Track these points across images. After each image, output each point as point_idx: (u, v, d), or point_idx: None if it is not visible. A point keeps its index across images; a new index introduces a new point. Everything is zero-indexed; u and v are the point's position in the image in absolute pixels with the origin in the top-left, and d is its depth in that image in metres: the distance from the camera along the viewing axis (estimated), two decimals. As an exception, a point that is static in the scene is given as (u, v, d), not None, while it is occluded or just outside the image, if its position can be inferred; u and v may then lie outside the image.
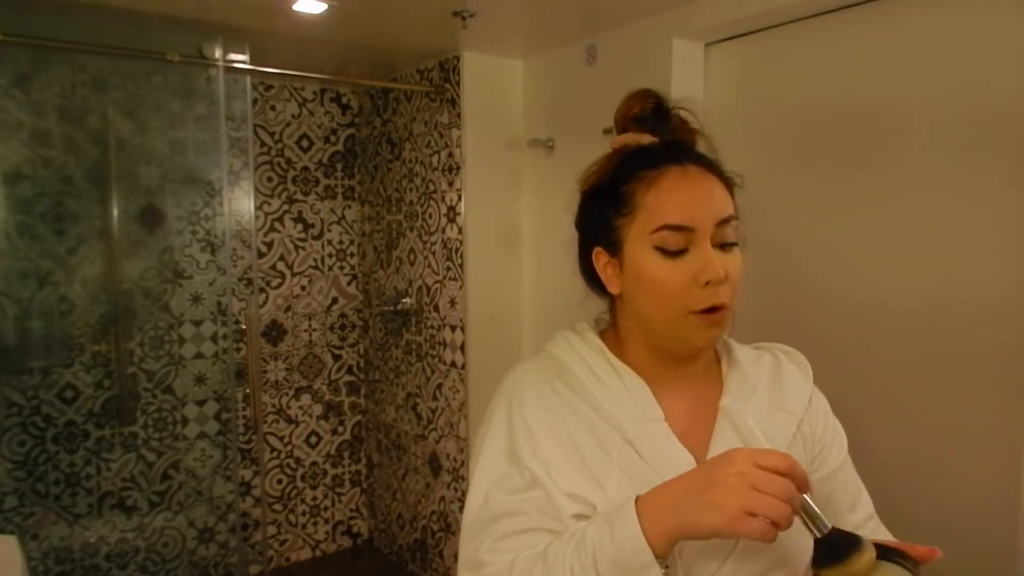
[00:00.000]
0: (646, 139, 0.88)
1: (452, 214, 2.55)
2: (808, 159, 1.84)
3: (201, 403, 2.69)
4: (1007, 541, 1.48)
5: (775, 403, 0.89)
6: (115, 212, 2.47)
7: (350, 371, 3.16)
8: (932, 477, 1.62)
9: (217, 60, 2.18)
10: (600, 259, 0.88)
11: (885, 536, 0.92)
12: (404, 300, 2.83)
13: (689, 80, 2.03)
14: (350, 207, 3.12)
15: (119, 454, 2.52)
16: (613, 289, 0.88)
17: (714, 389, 0.89)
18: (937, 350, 1.60)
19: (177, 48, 2.12)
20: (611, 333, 0.92)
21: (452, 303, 2.58)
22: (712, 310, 0.81)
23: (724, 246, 0.82)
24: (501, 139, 2.54)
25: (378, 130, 2.97)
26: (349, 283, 3.14)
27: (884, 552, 0.72)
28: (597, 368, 0.87)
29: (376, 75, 2.82)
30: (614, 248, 0.85)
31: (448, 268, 2.59)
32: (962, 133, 1.55)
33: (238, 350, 2.72)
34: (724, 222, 0.82)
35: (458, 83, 2.48)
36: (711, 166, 0.86)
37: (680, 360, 0.89)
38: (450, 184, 2.55)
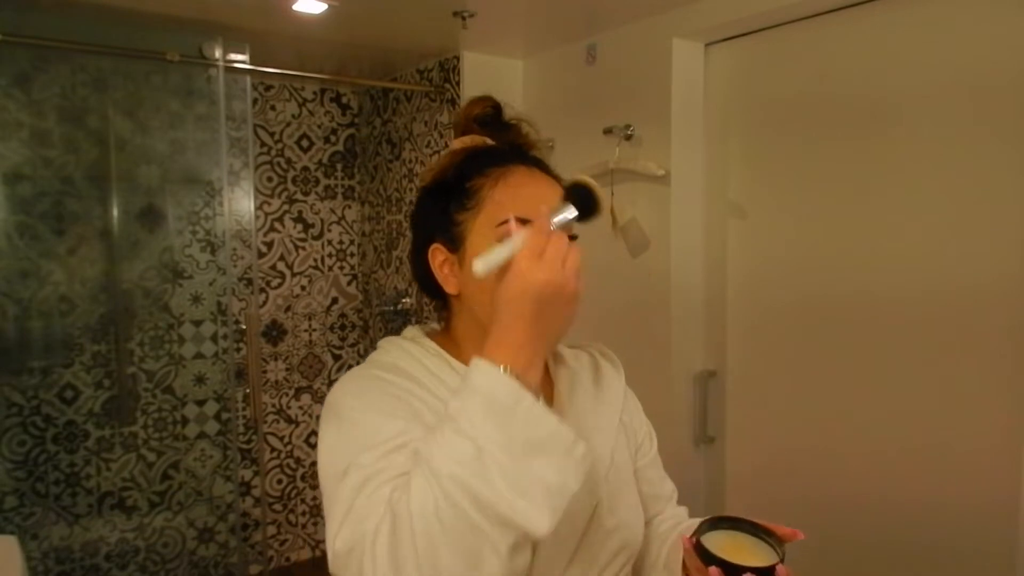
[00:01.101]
0: (488, 142, 0.89)
1: (452, 214, 2.54)
2: (808, 159, 1.84)
3: (201, 403, 2.69)
4: (1008, 536, 1.48)
5: (597, 396, 0.94)
6: (115, 212, 2.47)
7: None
8: (932, 463, 1.62)
9: (217, 60, 2.18)
10: (437, 257, 0.85)
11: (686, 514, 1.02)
12: (404, 300, 2.83)
13: (689, 80, 2.03)
14: (350, 207, 3.12)
15: (119, 454, 2.52)
16: (450, 288, 0.85)
17: (545, 384, 0.92)
18: (937, 338, 1.60)
19: (177, 48, 2.12)
20: (444, 337, 0.91)
21: (452, 303, 2.58)
22: None
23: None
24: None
25: (378, 130, 2.97)
26: (349, 283, 3.14)
27: (750, 527, 0.81)
28: (435, 369, 0.85)
29: (376, 75, 2.82)
30: (455, 244, 0.83)
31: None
32: (960, 130, 1.55)
33: (238, 350, 2.72)
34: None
35: (458, 83, 2.48)
36: (550, 171, 0.89)
37: None
38: (450, 184, 2.55)
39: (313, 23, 2.14)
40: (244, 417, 2.86)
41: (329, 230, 3.07)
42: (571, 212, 0.76)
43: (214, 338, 2.70)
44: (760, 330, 1.98)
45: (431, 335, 0.92)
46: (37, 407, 2.38)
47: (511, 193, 0.82)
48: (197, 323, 2.66)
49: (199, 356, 2.68)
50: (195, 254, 2.64)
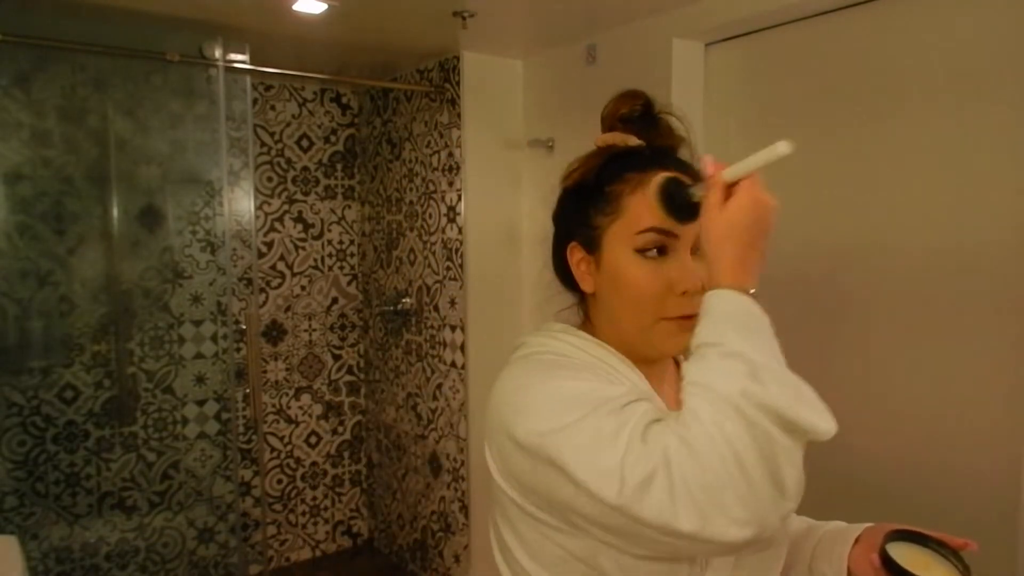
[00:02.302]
0: (632, 141, 0.87)
1: (452, 214, 2.55)
2: (808, 159, 1.84)
3: (201, 403, 2.69)
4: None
5: None
6: (115, 212, 2.47)
7: (350, 371, 3.16)
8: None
9: (217, 60, 2.18)
10: (575, 255, 0.87)
11: None
12: (404, 300, 2.83)
13: (689, 80, 2.03)
14: (350, 207, 3.12)
15: (119, 454, 2.52)
16: (586, 287, 0.86)
17: (673, 379, 0.92)
18: (937, 324, 1.60)
19: (177, 48, 2.12)
20: (587, 330, 0.89)
21: (452, 303, 2.58)
22: (684, 317, 0.80)
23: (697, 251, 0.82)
24: (501, 139, 2.54)
25: (378, 130, 2.97)
26: (349, 283, 3.14)
27: (922, 539, 0.82)
28: (604, 357, 0.83)
29: (376, 75, 2.82)
30: (592, 246, 0.84)
31: (448, 268, 2.59)
32: (960, 128, 1.55)
33: (238, 350, 2.73)
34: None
35: (458, 83, 2.48)
36: (696, 176, 0.85)
37: (648, 361, 0.88)
38: (450, 184, 2.55)
39: (313, 23, 2.14)
40: (244, 417, 2.86)
41: (329, 230, 3.07)
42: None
43: (214, 338, 2.70)
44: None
45: (584, 329, 0.88)
46: (37, 407, 2.38)
47: (649, 203, 0.80)
48: (197, 323, 2.67)
49: (199, 356, 2.68)
50: (195, 254, 2.64)
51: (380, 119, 2.95)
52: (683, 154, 0.90)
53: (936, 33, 1.58)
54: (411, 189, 2.77)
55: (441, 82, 2.56)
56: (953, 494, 1.59)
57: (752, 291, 0.71)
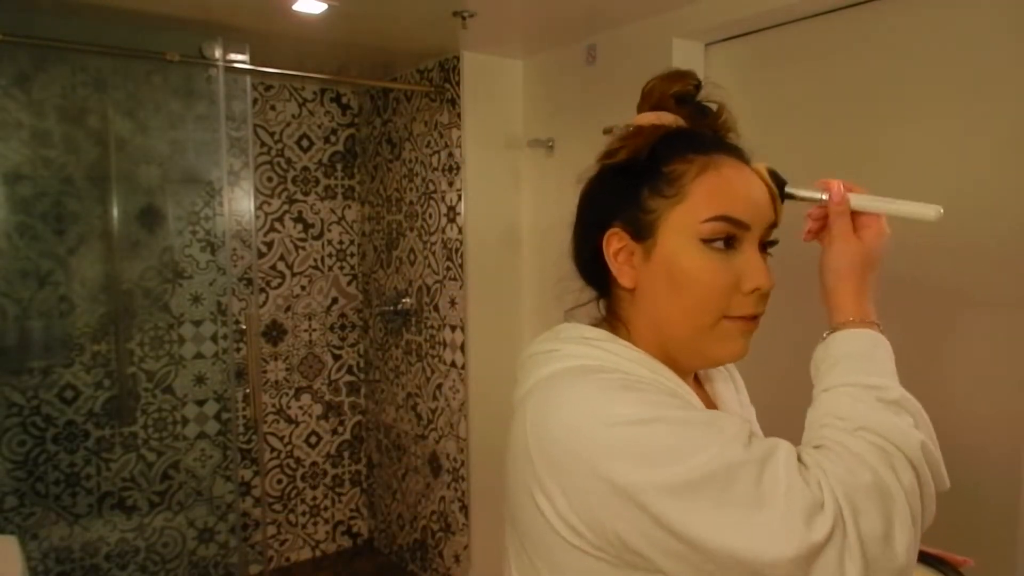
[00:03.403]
0: (680, 122, 0.78)
1: (452, 214, 2.55)
2: (808, 159, 1.84)
3: (201, 403, 2.69)
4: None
5: (738, 398, 0.93)
6: (115, 212, 2.47)
7: (350, 371, 3.16)
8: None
9: (217, 60, 2.18)
10: (613, 243, 0.74)
11: None
12: (404, 300, 2.83)
13: (689, 80, 2.03)
14: (350, 207, 3.12)
15: (119, 454, 2.52)
16: (625, 280, 0.74)
17: (702, 393, 0.89)
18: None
19: (177, 48, 2.12)
20: (615, 331, 0.78)
21: (452, 303, 2.58)
22: (748, 318, 0.74)
23: (765, 248, 0.76)
24: (501, 139, 2.54)
25: (378, 130, 2.97)
26: (349, 283, 3.14)
27: (924, 557, 0.82)
28: (654, 369, 0.73)
29: (376, 75, 2.82)
30: (643, 233, 0.73)
31: (448, 268, 2.59)
32: (959, 127, 1.55)
33: (238, 350, 2.73)
34: (772, 226, 0.76)
35: (458, 83, 2.48)
36: (750, 163, 0.79)
37: (685, 371, 0.79)
38: (450, 184, 2.55)
39: (313, 23, 2.14)
40: (244, 417, 2.86)
41: (329, 230, 3.07)
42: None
43: (214, 338, 2.70)
44: (760, 330, 1.98)
45: (612, 331, 0.77)
46: (37, 407, 2.38)
47: (721, 187, 0.71)
48: (197, 323, 2.67)
49: (199, 356, 2.68)
50: (195, 254, 2.64)
51: (380, 119, 2.95)
52: (736, 141, 0.82)
53: (936, 33, 1.58)
54: (411, 189, 2.77)
55: (441, 82, 2.56)
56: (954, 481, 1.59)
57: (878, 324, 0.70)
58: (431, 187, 2.65)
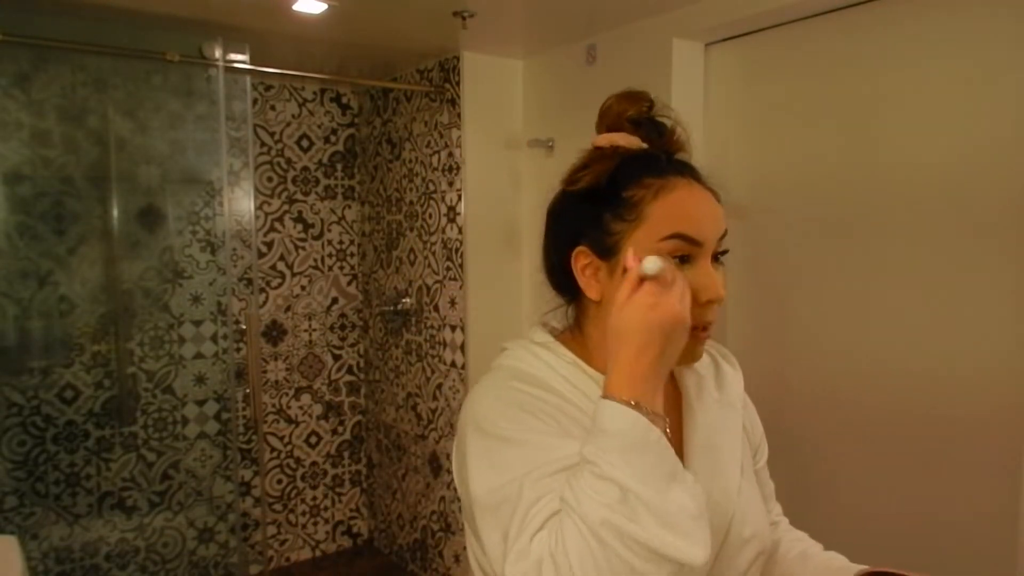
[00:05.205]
0: (636, 143, 0.84)
1: (452, 214, 2.55)
2: (808, 159, 1.84)
3: (201, 403, 2.69)
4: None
5: (721, 400, 0.91)
6: (115, 212, 2.47)
7: (350, 371, 3.16)
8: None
9: (217, 60, 2.18)
10: (580, 260, 0.82)
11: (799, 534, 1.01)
12: (404, 300, 2.83)
13: (689, 80, 2.03)
14: (350, 207, 3.12)
15: (119, 454, 2.52)
16: (592, 294, 0.82)
17: (670, 389, 0.89)
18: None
19: (177, 48, 2.12)
20: (574, 338, 0.87)
21: (452, 303, 2.58)
22: (703, 328, 0.79)
23: (716, 258, 0.81)
24: (501, 139, 2.54)
25: (378, 130, 2.97)
26: (349, 283, 3.14)
27: None
28: (573, 379, 0.82)
29: (376, 75, 2.82)
30: (607, 252, 0.80)
31: (448, 268, 2.59)
32: (960, 125, 1.55)
33: (238, 350, 2.73)
34: (722, 237, 0.81)
35: (458, 83, 2.48)
36: (704, 181, 0.84)
37: None
38: (450, 184, 2.55)
39: (313, 23, 2.14)
40: (244, 417, 2.86)
41: (329, 230, 3.07)
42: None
43: (214, 338, 2.70)
44: (760, 329, 1.98)
45: (560, 338, 0.88)
46: (37, 407, 2.37)
47: (675, 208, 0.78)
48: (197, 323, 2.66)
49: (199, 356, 2.68)
50: (195, 254, 2.64)
51: (380, 119, 2.95)
52: (687, 159, 0.87)
53: (936, 33, 1.58)
54: (411, 189, 2.77)
55: (441, 82, 2.56)
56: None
57: (643, 401, 0.69)
58: (431, 187, 2.65)
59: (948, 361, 1.59)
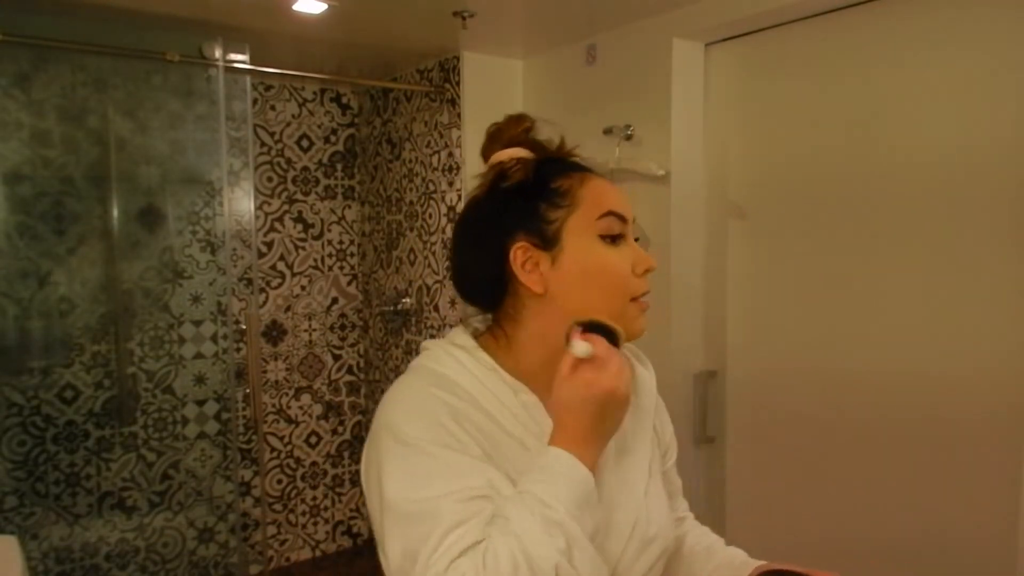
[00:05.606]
0: (534, 156, 0.90)
1: (452, 214, 2.55)
2: (808, 158, 1.84)
3: (201, 403, 2.69)
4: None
5: (635, 403, 0.94)
6: (115, 212, 2.47)
7: (350, 371, 3.16)
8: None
9: (217, 60, 2.18)
10: (519, 256, 0.84)
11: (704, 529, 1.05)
12: (404, 300, 2.83)
13: (689, 80, 2.03)
14: (350, 207, 3.12)
15: (119, 454, 2.52)
16: (536, 287, 0.83)
17: None
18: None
19: (177, 48, 2.12)
20: (496, 340, 0.89)
21: (452, 303, 2.58)
22: (643, 297, 0.86)
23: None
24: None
25: (378, 130, 2.97)
26: (349, 283, 3.14)
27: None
28: (491, 386, 0.84)
29: (376, 75, 2.82)
30: (549, 242, 0.83)
31: (448, 268, 2.59)
32: (960, 124, 1.55)
33: (238, 350, 2.72)
34: (633, 220, 0.88)
35: (458, 83, 2.48)
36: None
37: None
38: (450, 184, 2.55)
39: (313, 23, 2.14)
40: (244, 417, 2.86)
41: (329, 230, 3.07)
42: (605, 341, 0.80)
43: (214, 338, 2.70)
44: (760, 329, 1.98)
45: (481, 340, 0.90)
46: (37, 407, 2.37)
47: (601, 190, 0.85)
48: (197, 323, 2.66)
49: (199, 356, 2.67)
50: (195, 254, 2.64)
51: (380, 119, 2.95)
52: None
53: (937, 33, 1.58)
54: (411, 189, 2.77)
55: (441, 82, 2.56)
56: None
57: (585, 461, 0.75)
58: (431, 187, 2.65)
59: (948, 361, 1.59)
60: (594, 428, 0.76)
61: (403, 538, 0.73)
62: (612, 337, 0.79)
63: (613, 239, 0.84)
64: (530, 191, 0.85)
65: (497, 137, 0.92)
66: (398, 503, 0.74)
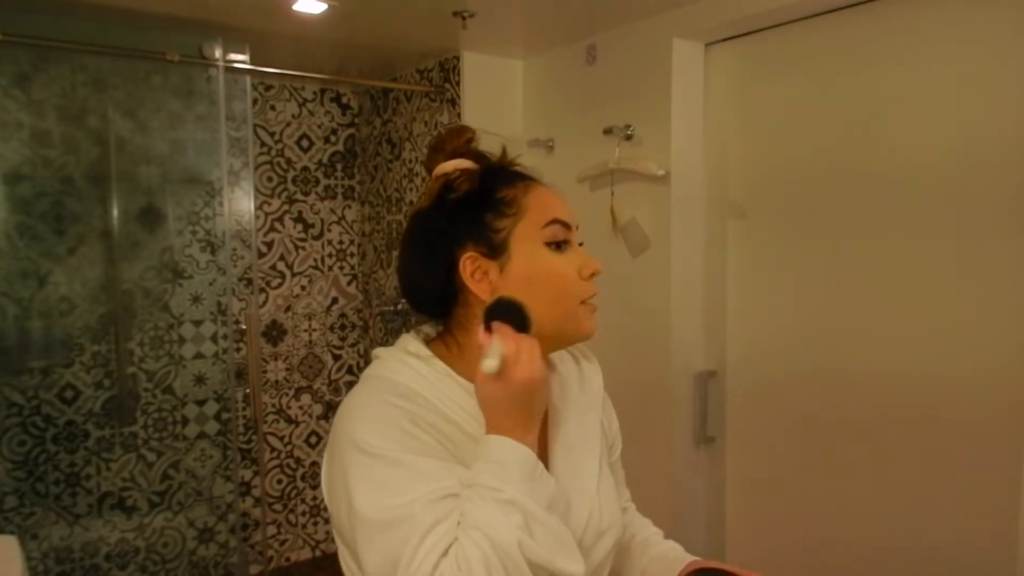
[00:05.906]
0: (469, 164, 0.91)
1: (452, 214, 2.54)
2: (807, 158, 1.84)
3: (201, 403, 2.69)
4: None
5: (583, 401, 0.97)
6: (115, 212, 2.47)
7: (350, 371, 3.16)
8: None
9: (217, 60, 2.18)
10: (468, 265, 0.85)
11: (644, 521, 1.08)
12: (404, 300, 2.82)
13: (689, 80, 2.03)
14: (350, 207, 3.12)
15: (119, 454, 2.52)
16: (486, 296, 0.85)
17: None
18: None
19: (177, 48, 2.12)
20: (446, 346, 0.91)
21: (452, 303, 2.58)
22: (591, 299, 0.88)
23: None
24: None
25: (378, 130, 2.97)
26: (349, 283, 3.14)
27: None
28: (446, 389, 0.85)
29: (376, 75, 2.82)
30: (496, 251, 0.85)
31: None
32: (960, 123, 1.55)
33: (238, 350, 2.72)
34: (576, 228, 0.90)
35: (458, 83, 2.48)
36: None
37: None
38: (450, 184, 2.55)
39: (313, 23, 2.14)
40: (244, 417, 2.86)
41: (329, 230, 3.07)
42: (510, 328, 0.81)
43: (214, 338, 2.70)
44: (760, 329, 1.98)
45: (432, 346, 0.91)
46: (37, 407, 2.37)
47: (545, 199, 0.88)
48: (197, 323, 2.66)
49: (199, 356, 2.67)
50: (195, 254, 2.64)
51: (380, 119, 2.95)
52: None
53: (937, 33, 1.58)
54: (411, 189, 2.77)
55: (441, 82, 2.56)
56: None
57: (522, 441, 0.77)
58: (431, 187, 2.65)
59: (948, 361, 1.59)
60: (523, 414, 0.78)
61: (381, 546, 0.73)
62: (519, 313, 0.80)
63: (558, 245, 0.86)
64: (476, 201, 0.87)
65: (440, 148, 0.93)
66: (371, 513, 0.74)
